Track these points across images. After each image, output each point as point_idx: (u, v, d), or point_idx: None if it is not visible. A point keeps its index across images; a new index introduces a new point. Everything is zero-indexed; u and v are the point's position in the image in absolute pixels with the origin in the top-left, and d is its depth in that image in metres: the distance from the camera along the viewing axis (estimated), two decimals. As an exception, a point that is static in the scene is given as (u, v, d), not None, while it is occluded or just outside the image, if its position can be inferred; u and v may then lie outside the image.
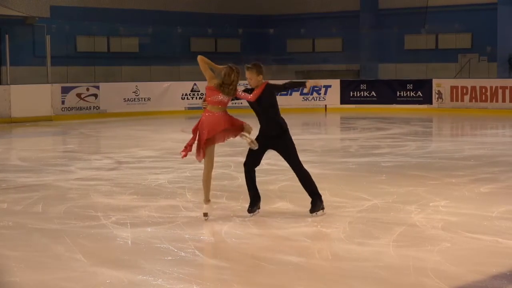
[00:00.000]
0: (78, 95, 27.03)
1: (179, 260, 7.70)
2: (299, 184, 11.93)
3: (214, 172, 12.14)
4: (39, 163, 15.35)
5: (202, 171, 9.44)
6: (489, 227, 8.89)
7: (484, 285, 6.74)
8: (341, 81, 30.43)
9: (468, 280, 6.85)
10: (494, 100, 27.79)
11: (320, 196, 9.48)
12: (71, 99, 26.82)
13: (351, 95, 30.15)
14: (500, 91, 27.68)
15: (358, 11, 35.64)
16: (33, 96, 26.02)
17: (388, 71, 33.49)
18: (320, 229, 8.88)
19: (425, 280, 6.82)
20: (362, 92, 30.02)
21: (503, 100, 27.58)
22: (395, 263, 7.51)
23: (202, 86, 29.07)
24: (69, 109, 26.77)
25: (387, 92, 29.64)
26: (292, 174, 11.10)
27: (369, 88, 29.97)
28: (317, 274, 7.16)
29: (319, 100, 30.17)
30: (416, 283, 6.79)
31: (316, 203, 9.44)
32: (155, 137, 21.36)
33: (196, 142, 9.26)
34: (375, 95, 29.85)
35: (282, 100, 29.93)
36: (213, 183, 11.33)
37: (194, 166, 13.87)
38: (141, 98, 28.53)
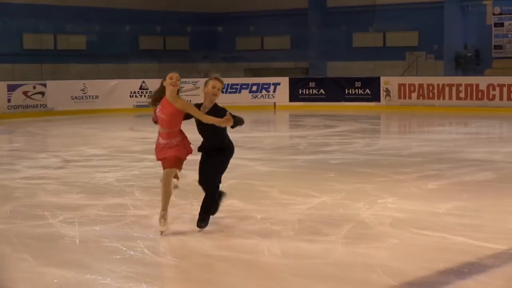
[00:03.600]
0: (25, 93, 26.71)
1: (128, 258, 7.66)
2: (247, 181, 11.96)
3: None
4: (-15, 162, 15.16)
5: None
6: (436, 223, 8.98)
7: (431, 281, 6.81)
8: (290, 78, 30.49)
9: (416, 276, 6.91)
10: (441, 98, 28.10)
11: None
12: (17, 97, 26.49)
13: (300, 92, 30.23)
14: (447, 88, 28.00)
15: (307, 9, 35.80)
16: (-22, 94, 25.69)
17: (336, 69, 33.64)
18: (269, 227, 8.89)
19: (373, 277, 6.87)
20: (310, 90, 30.12)
21: (450, 98, 27.92)
22: (344, 260, 7.55)
23: (150, 84, 28.96)
24: (15, 107, 26.44)
25: (336, 90, 29.78)
26: (239, 171, 11.14)
27: (318, 86, 30.08)
28: (266, 272, 7.17)
29: (268, 97, 30.21)
30: (365, 280, 6.83)
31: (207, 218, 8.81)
32: (103, 135, 21.21)
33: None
34: (323, 92, 29.98)
35: (231, 98, 30.05)
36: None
37: (143, 164, 13.82)
38: (89, 96, 28.31)
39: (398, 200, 10.42)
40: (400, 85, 28.85)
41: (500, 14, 30.90)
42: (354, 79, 29.79)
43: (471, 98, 27.53)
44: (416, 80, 28.89)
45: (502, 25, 30.84)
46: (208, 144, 8.72)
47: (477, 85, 27.51)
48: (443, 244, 8.11)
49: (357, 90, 29.48)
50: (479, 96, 27.38)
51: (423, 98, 28.41)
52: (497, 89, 27.08)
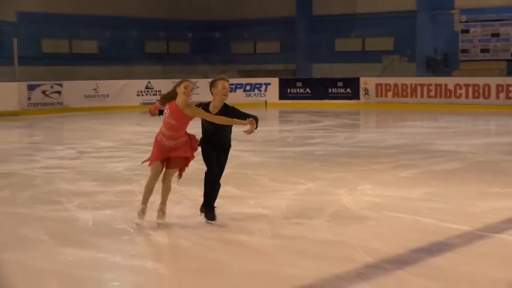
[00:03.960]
0: (43, 92, 26.63)
1: (135, 239, 7.67)
2: (241, 171, 11.95)
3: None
4: (7, 153, 15.12)
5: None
6: (409, 207, 9.00)
7: (405, 258, 6.83)
8: (279, 79, 30.53)
9: (391, 254, 6.93)
10: (414, 96, 28.17)
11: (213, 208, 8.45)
12: (36, 95, 26.42)
13: (288, 91, 30.25)
14: (419, 88, 28.06)
15: (294, 17, 35.73)
16: (1, 93, 25.58)
17: (321, 70, 33.58)
18: (260, 211, 8.89)
19: (353, 254, 6.89)
20: (298, 89, 30.14)
21: (421, 96, 27.99)
22: (327, 239, 7.56)
23: (155, 84, 28.95)
24: (35, 104, 26.36)
25: (320, 89, 29.80)
26: (234, 162, 11.12)
27: (304, 86, 30.11)
28: (258, 250, 7.18)
29: (260, 96, 30.23)
30: (346, 257, 6.85)
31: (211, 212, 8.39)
32: (113, 129, 21.17)
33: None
34: (309, 91, 30.00)
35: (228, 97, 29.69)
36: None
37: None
38: (101, 94, 28.24)
39: (375, 187, 10.44)
40: (377, 85, 28.89)
41: (466, 21, 30.91)
42: (336, 79, 29.81)
43: (440, 97, 27.62)
44: (391, 80, 28.90)
45: (468, 31, 30.86)
46: (212, 140, 8.25)
47: (446, 85, 27.59)
48: (415, 225, 8.13)
49: (339, 89, 29.51)
50: (448, 95, 27.46)
51: (398, 96, 28.45)
52: (464, 88, 27.14)
